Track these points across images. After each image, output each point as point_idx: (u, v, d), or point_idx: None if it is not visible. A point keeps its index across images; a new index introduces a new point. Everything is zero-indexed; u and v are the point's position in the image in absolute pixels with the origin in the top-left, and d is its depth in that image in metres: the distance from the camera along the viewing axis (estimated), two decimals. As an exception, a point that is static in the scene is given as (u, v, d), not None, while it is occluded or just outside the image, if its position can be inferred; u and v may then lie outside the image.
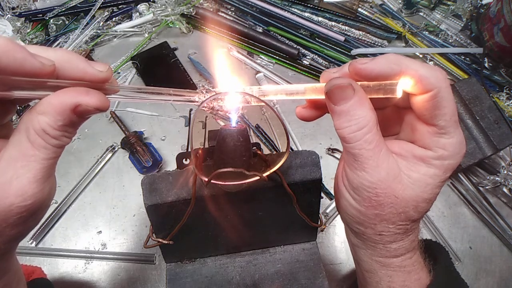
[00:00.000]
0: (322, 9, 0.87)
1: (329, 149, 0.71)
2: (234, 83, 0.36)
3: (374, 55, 0.81)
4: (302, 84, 0.34)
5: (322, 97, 0.32)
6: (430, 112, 0.30)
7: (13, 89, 0.26)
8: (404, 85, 0.29)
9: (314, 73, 0.80)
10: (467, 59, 0.82)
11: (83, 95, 0.27)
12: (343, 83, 0.30)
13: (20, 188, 0.26)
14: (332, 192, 0.66)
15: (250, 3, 0.87)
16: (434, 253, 0.39)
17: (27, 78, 0.26)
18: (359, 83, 0.31)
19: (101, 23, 0.85)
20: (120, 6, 0.88)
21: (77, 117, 0.27)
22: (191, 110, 0.72)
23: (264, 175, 0.35)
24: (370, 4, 0.91)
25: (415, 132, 0.32)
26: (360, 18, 0.88)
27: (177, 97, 0.34)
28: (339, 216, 0.64)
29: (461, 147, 0.31)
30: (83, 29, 0.83)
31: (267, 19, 0.86)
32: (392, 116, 0.36)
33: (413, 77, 0.29)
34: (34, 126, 0.26)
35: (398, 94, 0.29)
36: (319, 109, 0.35)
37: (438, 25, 0.88)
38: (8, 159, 0.27)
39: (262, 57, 0.83)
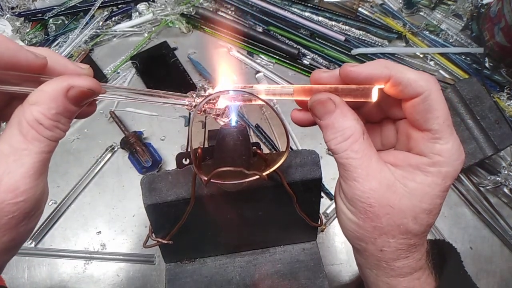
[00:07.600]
0: (322, 8, 0.87)
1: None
2: (225, 83, 0.37)
3: (374, 54, 0.81)
4: (291, 85, 0.34)
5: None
6: (422, 115, 0.29)
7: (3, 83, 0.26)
8: (376, 91, 0.30)
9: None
10: (468, 59, 0.82)
11: (74, 78, 0.27)
12: (322, 98, 0.31)
13: (12, 183, 0.25)
14: (333, 192, 0.66)
15: (250, 2, 0.87)
16: (443, 255, 0.37)
17: (20, 72, 0.26)
18: (340, 86, 0.31)
19: (101, 22, 0.85)
20: (119, 6, 0.88)
21: (71, 104, 0.27)
22: (191, 109, 0.72)
23: (264, 174, 0.35)
24: (371, 4, 0.91)
25: (410, 140, 0.32)
26: (360, 17, 0.88)
27: (167, 99, 0.34)
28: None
29: (458, 153, 0.30)
30: (82, 28, 0.83)
31: (267, 19, 0.86)
32: (389, 129, 0.36)
33: (403, 80, 0.29)
34: (27, 117, 0.26)
35: (374, 98, 0.30)
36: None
37: (438, 25, 0.88)
38: None
39: (262, 56, 0.82)
